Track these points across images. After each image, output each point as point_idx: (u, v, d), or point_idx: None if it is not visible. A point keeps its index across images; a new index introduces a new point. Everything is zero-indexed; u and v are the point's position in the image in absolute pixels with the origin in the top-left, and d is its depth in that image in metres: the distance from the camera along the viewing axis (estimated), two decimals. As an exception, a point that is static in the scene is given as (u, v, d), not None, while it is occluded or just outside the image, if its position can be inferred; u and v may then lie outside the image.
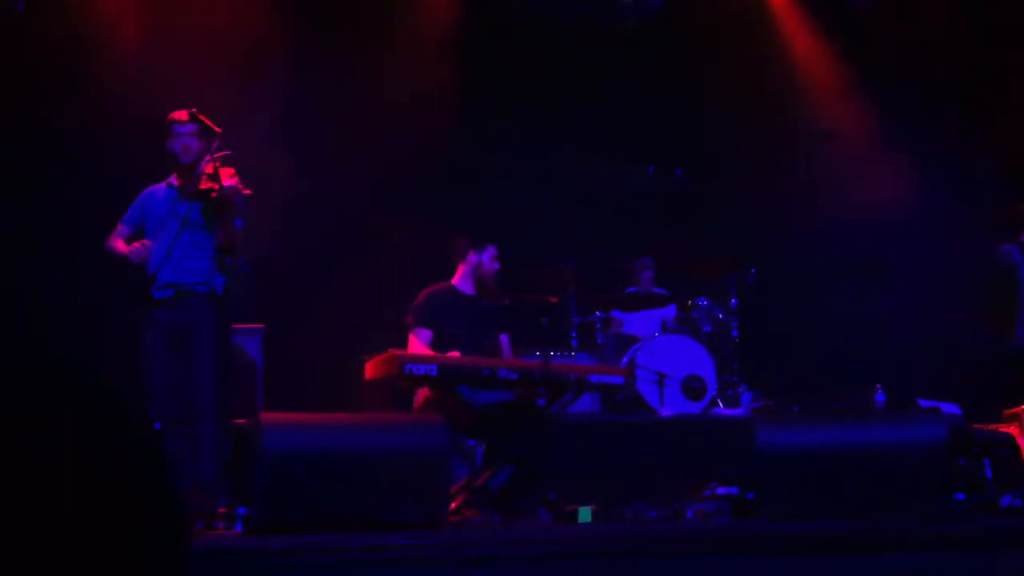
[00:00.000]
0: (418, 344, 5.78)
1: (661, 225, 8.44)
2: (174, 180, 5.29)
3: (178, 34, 6.99)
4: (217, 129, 5.10)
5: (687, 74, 8.48)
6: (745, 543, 3.96)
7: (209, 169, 4.99)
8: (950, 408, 6.08)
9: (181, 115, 5.18)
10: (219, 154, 5.01)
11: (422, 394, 5.66)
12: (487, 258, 6.05)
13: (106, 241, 5.32)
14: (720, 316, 7.56)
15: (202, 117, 5.12)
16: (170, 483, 2.08)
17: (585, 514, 4.65)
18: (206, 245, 5.14)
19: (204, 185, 5.05)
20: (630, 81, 8.46)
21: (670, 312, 7.80)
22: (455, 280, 6.09)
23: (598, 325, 7.69)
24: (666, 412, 6.65)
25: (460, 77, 7.95)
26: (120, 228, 5.33)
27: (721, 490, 5.03)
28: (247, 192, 5.06)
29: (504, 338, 6.09)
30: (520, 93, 8.31)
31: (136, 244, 5.20)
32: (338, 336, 7.07)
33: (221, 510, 4.60)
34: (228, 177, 4.99)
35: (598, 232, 8.27)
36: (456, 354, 5.48)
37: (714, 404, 7.07)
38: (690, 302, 7.60)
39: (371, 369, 5.38)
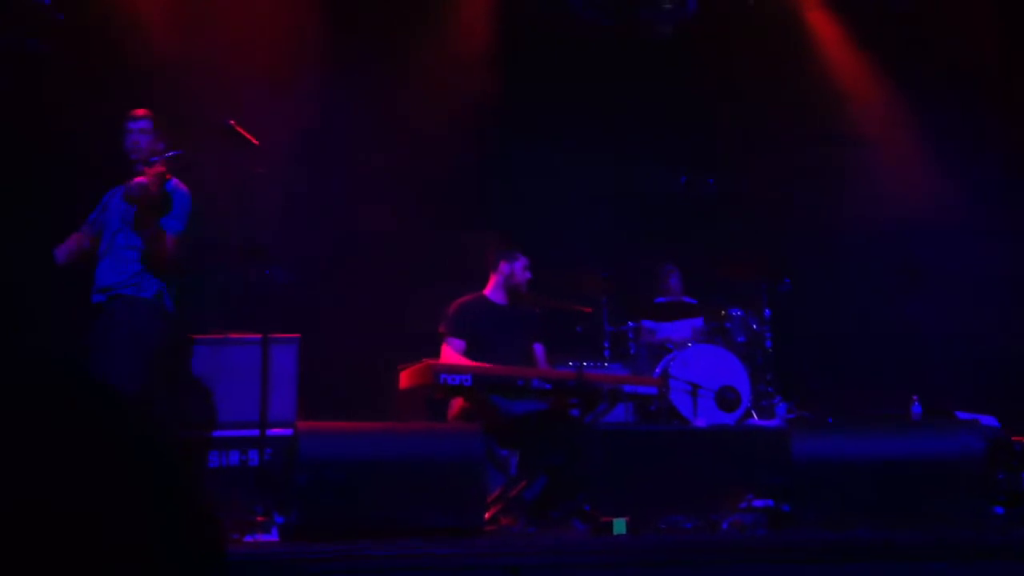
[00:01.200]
0: (451, 354, 5.81)
1: (695, 233, 8.40)
2: None
3: (211, 41, 7.05)
4: (255, 141, 5.13)
5: (721, 79, 8.44)
6: (781, 554, 3.94)
7: (155, 169, 4.71)
8: (988, 420, 6.02)
9: (136, 111, 4.96)
10: (169, 154, 4.79)
11: (456, 404, 5.69)
12: (519, 268, 6.07)
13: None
14: (754, 326, 7.52)
15: (239, 129, 5.08)
16: (178, 489, 2.08)
17: (620, 525, 4.65)
18: (139, 247, 4.81)
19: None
20: (663, 87, 8.43)
21: (698, 321, 7.77)
22: (487, 291, 6.11)
23: (630, 335, 7.67)
24: (700, 423, 6.63)
25: (494, 82, 7.94)
26: (83, 227, 5.06)
27: (757, 502, 5.02)
28: (162, 193, 4.71)
29: (539, 347, 6.10)
30: (554, 98, 8.29)
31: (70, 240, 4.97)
32: (372, 345, 7.09)
33: (259, 519, 4.65)
34: (152, 176, 4.69)
35: (631, 238, 8.24)
36: (490, 364, 5.50)
37: (748, 415, 7.04)
38: (723, 312, 7.56)
39: (406, 378, 5.41)
